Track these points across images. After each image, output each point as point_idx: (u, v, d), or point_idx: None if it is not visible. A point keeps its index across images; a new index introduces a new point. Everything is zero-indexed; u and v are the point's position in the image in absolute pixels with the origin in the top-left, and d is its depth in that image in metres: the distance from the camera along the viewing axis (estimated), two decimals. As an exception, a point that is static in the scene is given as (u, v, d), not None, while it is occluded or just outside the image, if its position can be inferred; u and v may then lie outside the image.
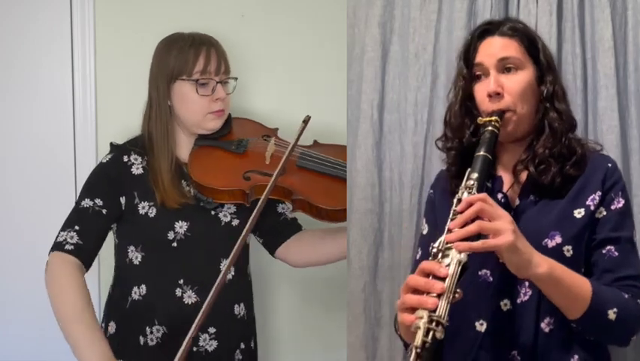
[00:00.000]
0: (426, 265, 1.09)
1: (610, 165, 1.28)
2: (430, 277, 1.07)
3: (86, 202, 1.52)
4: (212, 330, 1.61)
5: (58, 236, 1.48)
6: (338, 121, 1.87)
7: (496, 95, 1.28)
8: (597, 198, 1.25)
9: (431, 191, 1.47)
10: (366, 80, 1.83)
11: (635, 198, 1.59)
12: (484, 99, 1.30)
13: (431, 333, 1.01)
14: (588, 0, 1.64)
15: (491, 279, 1.26)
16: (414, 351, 1.00)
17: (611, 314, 1.16)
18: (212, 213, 1.62)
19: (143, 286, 1.59)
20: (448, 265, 1.08)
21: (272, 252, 1.76)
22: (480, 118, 1.28)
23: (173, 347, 1.52)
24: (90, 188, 1.56)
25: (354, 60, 1.85)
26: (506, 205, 1.30)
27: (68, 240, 1.46)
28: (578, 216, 1.25)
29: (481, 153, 1.22)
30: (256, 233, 1.76)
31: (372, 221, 1.81)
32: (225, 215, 1.63)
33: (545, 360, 1.23)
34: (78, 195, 1.57)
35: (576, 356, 1.23)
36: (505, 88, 1.28)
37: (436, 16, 1.78)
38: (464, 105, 1.35)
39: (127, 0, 1.91)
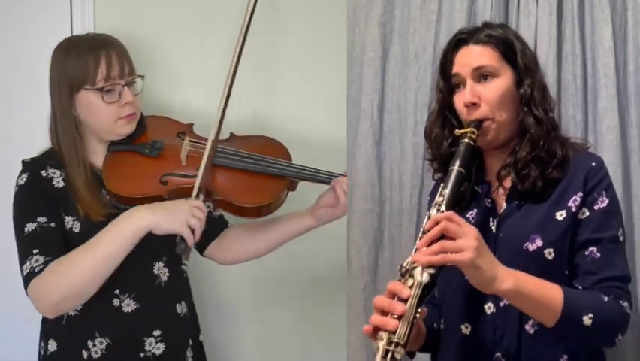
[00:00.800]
0: (391, 285, 1.11)
1: (594, 164, 1.27)
2: (396, 298, 1.09)
3: (30, 226, 1.42)
4: (157, 333, 1.54)
5: (22, 271, 1.40)
6: (338, 121, 1.87)
7: (472, 105, 1.28)
8: (578, 199, 1.24)
9: (430, 198, 1.48)
10: (366, 80, 1.83)
11: (635, 198, 1.60)
12: (462, 109, 1.30)
13: (390, 355, 1.05)
14: (588, 0, 1.65)
15: None
16: None
17: (587, 320, 1.15)
18: None
19: None
20: (412, 285, 1.09)
21: (201, 252, 1.73)
22: (457, 130, 1.29)
23: (119, 356, 1.50)
24: (24, 211, 1.45)
25: (354, 60, 1.86)
26: (493, 210, 1.31)
27: (34, 264, 1.37)
28: (560, 218, 1.25)
29: (454, 167, 1.21)
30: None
31: (372, 221, 1.82)
32: None
33: None
34: (14, 227, 1.45)
35: (565, 356, 1.23)
36: (482, 97, 1.28)
37: (436, 16, 1.78)
38: (441, 117, 1.36)
39: (127, 0, 1.91)
